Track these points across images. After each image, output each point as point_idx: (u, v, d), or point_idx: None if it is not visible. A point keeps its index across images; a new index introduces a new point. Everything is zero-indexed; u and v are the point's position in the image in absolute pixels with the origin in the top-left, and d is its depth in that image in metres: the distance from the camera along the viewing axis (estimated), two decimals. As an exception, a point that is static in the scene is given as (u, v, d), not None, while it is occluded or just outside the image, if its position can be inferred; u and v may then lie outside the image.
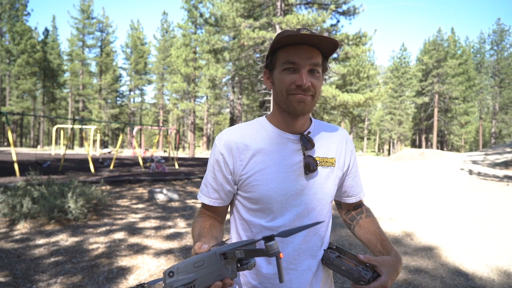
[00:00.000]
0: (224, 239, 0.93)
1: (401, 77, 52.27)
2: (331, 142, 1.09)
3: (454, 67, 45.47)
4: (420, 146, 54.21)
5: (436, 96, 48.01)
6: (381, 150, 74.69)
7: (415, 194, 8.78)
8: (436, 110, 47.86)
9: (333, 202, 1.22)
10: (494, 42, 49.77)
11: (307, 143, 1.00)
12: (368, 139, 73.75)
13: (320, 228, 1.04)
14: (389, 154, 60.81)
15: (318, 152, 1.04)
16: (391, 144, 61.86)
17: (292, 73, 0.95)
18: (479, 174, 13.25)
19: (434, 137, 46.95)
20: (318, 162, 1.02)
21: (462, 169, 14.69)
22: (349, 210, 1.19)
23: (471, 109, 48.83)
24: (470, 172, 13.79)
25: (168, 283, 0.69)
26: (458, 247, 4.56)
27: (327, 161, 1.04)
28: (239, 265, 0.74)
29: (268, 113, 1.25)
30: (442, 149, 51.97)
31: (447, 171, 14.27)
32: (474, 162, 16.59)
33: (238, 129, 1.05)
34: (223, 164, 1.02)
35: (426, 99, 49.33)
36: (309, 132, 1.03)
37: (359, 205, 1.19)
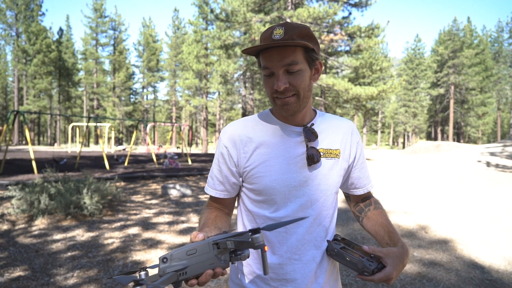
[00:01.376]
0: (227, 230, 0.94)
1: (415, 69, 51.28)
2: (335, 133, 1.08)
3: (470, 57, 44.35)
4: (435, 139, 53.25)
5: (452, 87, 46.97)
6: (395, 144, 73.68)
7: (430, 187, 8.64)
8: (452, 101, 46.85)
9: (343, 195, 1.23)
10: (513, 31, 48.30)
11: (311, 135, 1.01)
12: (382, 132, 72.80)
13: (324, 219, 1.04)
14: (403, 147, 59.96)
15: (322, 143, 1.04)
16: (406, 137, 60.94)
17: (270, 77, 0.95)
18: (497, 166, 12.94)
19: (450, 129, 46.03)
20: (321, 154, 1.02)
21: (479, 161, 14.38)
22: (358, 202, 1.19)
23: (488, 99, 47.60)
24: (488, 164, 13.48)
25: (161, 268, 0.72)
26: (474, 240, 4.48)
27: (331, 153, 1.04)
28: (233, 255, 0.76)
29: None
30: (458, 141, 50.91)
31: (463, 163, 13.98)
32: (492, 154, 16.21)
33: (242, 122, 1.07)
34: (227, 156, 1.04)
35: (442, 90, 48.31)
36: (312, 124, 1.04)
37: (367, 197, 1.18)
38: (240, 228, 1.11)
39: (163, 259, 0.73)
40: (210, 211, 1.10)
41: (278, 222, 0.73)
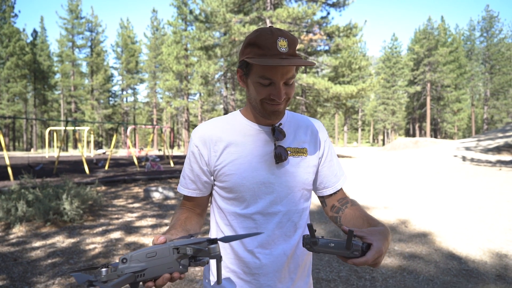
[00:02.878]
0: (194, 234, 0.95)
1: (393, 67, 52.42)
2: (303, 132, 1.13)
3: (445, 55, 45.68)
4: (414, 135, 54.56)
5: (428, 84, 48.25)
6: (375, 141, 75.06)
7: (410, 183, 8.87)
8: (428, 98, 48.12)
9: (318, 199, 1.24)
10: (484, 29, 50.01)
11: (279, 134, 1.05)
12: (362, 130, 74.10)
13: (294, 214, 1.07)
14: (383, 144, 61.15)
15: (290, 142, 1.08)
16: (385, 134, 62.19)
17: (267, 86, 0.97)
18: (472, 160, 13.39)
19: (428, 126, 47.27)
20: (289, 152, 1.06)
21: (455, 156, 14.84)
22: (334, 204, 1.17)
23: (463, 96, 49.18)
24: (464, 158, 13.94)
25: (119, 268, 0.73)
26: (451, 232, 4.63)
27: (298, 151, 1.09)
28: (193, 261, 0.77)
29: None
30: (435, 137, 52.34)
31: (440, 158, 14.40)
32: (467, 148, 16.75)
33: (213, 122, 1.11)
34: (198, 156, 1.08)
35: (419, 88, 49.56)
36: (280, 124, 1.08)
37: (343, 197, 1.18)
38: (213, 226, 1.14)
39: (122, 260, 0.74)
40: (182, 212, 1.12)
41: (234, 235, 0.79)
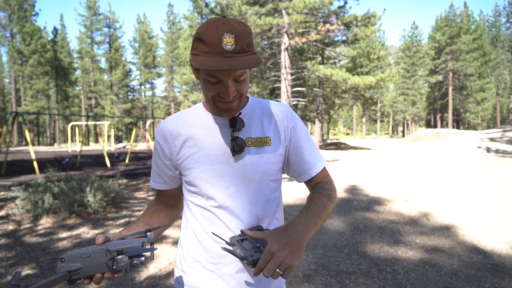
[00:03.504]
0: (159, 226, 1.06)
1: (413, 56, 51.10)
2: (267, 120, 1.08)
3: (468, 43, 44.15)
4: (435, 126, 53.26)
5: (450, 74, 46.85)
6: (395, 132, 73.71)
7: (431, 175, 8.68)
8: (450, 88, 46.77)
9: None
10: (510, 14, 47.99)
11: (238, 125, 1.02)
12: (381, 121, 72.78)
13: (255, 207, 1.04)
14: (403, 135, 59.98)
15: (251, 132, 1.05)
16: (405, 126, 60.96)
17: (215, 83, 0.93)
18: (497, 151, 12.98)
19: (450, 116, 46.03)
20: (250, 143, 1.03)
21: (479, 147, 14.41)
22: (311, 191, 1.15)
23: (487, 85, 47.51)
24: (488, 149, 13.52)
25: (58, 266, 0.81)
26: (476, 225, 4.52)
27: (260, 141, 1.05)
28: (129, 262, 0.83)
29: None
30: (458, 128, 50.94)
31: (463, 150, 14.02)
32: (492, 139, 16.24)
33: (175, 117, 1.11)
34: (160, 151, 1.10)
35: (440, 77, 48.19)
36: (240, 113, 1.05)
37: (318, 182, 1.14)
38: (183, 217, 1.15)
39: (61, 259, 0.81)
40: (152, 204, 1.17)
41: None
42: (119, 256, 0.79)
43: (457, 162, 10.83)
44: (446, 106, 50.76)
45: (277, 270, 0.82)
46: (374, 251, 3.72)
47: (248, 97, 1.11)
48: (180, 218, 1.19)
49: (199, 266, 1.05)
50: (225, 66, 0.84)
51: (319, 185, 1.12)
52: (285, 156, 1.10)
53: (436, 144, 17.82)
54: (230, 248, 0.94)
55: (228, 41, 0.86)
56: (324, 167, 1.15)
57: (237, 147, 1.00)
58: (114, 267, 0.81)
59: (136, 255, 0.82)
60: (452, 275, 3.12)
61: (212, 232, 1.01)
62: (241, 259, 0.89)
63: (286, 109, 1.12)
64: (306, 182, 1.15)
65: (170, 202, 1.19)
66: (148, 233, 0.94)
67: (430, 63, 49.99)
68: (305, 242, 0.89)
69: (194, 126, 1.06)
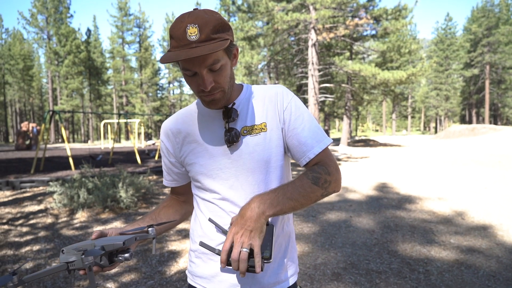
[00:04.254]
0: (167, 221, 1.13)
1: (446, 50, 49.07)
2: (259, 106, 1.05)
3: (507, 34, 41.84)
4: (470, 122, 50.99)
5: (487, 67, 44.62)
6: (427, 129, 71.23)
7: (466, 172, 8.33)
8: (487, 82, 44.56)
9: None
10: (554, 3, 45.02)
11: (232, 115, 1.00)
12: (412, 117, 70.56)
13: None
14: (436, 132, 57.86)
15: (246, 121, 1.04)
16: (438, 122, 58.78)
17: (193, 76, 0.94)
18: (538, 148, 12.25)
19: (486, 111, 43.89)
20: (245, 131, 1.02)
21: (518, 144, 13.66)
22: None
23: (528, 78, 44.88)
24: (528, 146, 12.79)
25: (60, 257, 0.88)
26: (515, 226, 4.29)
27: (256, 128, 1.03)
28: (115, 257, 0.90)
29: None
30: (495, 123, 48.49)
31: (502, 146, 13.33)
32: (533, 135, 15.34)
33: (176, 115, 1.14)
34: (165, 150, 1.14)
35: (476, 71, 46.02)
36: (233, 104, 1.03)
37: (314, 164, 1.05)
38: (193, 213, 1.16)
39: (62, 251, 0.88)
40: (165, 200, 1.23)
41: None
42: (83, 256, 0.84)
43: (495, 159, 10.32)
44: (482, 101, 48.45)
45: (244, 249, 0.81)
46: (405, 251, 3.61)
47: (242, 86, 1.10)
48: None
49: (206, 257, 1.06)
50: (183, 56, 0.84)
51: (312, 167, 1.02)
52: (283, 139, 1.05)
53: (472, 141, 17.07)
54: (207, 244, 0.99)
55: (192, 32, 0.86)
56: (326, 148, 1.04)
57: (232, 138, 0.99)
58: (101, 262, 0.87)
59: (122, 251, 0.90)
60: (490, 277, 2.98)
61: (209, 218, 1.03)
62: (212, 251, 0.95)
63: (279, 89, 1.07)
64: (306, 166, 1.05)
65: (182, 198, 1.23)
66: (149, 229, 0.98)
67: (465, 56, 47.82)
68: (261, 218, 0.86)
69: (192, 122, 1.09)
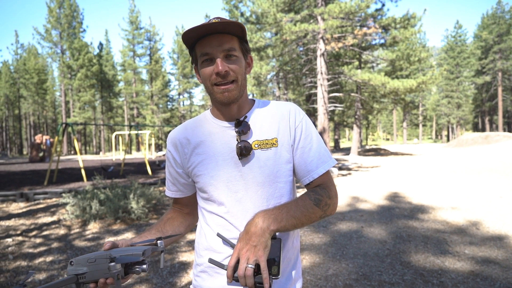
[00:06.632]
0: (172, 234, 1.10)
1: (457, 57, 48.64)
2: (271, 122, 1.07)
3: (518, 40, 41.33)
4: (483, 130, 50.16)
5: (500, 74, 44.04)
6: (438, 137, 70.29)
7: (480, 181, 8.17)
8: (500, 89, 43.93)
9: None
10: None
11: (243, 128, 1.02)
12: (423, 126, 69.75)
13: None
14: (448, 140, 57.06)
15: (257, 135, 1.04)
16: (450, 130, 57.97)
17: (209, 64, 0.98)
18: (555, 156, 11.97)
19: (500, 119, 43.16)
20: (257, 146, 1.02)
21: (534, 151, 13.37)
22: None
23: (541, 85, 44.12)
24: (544, 154, 12.51)
25: (68, 269, 0.86)
26: (532, 236, 4.19)
27: (267, 143, 1.04)
28: (130, 268, 0.87)
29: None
30: (510, 131, 47.59)
31: (516, 154, 13.06)
32: (548, 143, 15.01)
33: (183, 126, 1.14)
34: (172, 160, 1.12)
35: (488, 78, 45.44)
36: (245, 117, 1.05)
37: (315, 186, 1.07)
38: (198, 224, 1.16)
39: (70, 262, 0.87)
40: (168, 212, 1.21)
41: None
42: (111, 264, 0.82)
43: (510, 168, 10.11)
44: (495, 108, 47.70)
45: (249, 266, 0.82)
46: (418, 261, 3.55)
47: (254, 101, 1.12)
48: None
49: (212, 271, 1.06)
50: (205, 27, 0.93)
51: (314, 188, 1.05)
52: (292, 156, 1.07)
53: (485, 149, 16.78)
54: (216, 260, 0.98)
55: (215, 21, 0.94)
56: (327, 171, 1.08)
57: (244, 151, 1.00)
58: (116, 273, 0.84)
59: (137, 262, 0.86)
60: (507, 289, 2.90)
61: (218, 233, 1.03)
62: (221, 267, 0.93)
63: (292, 107, 1.10)
64: (307, 186, 1.08)
65: (186, 210, 1.21)
66: (158, 241, 0.97)
67: (476, 63, 47.32)
68: (266, 233, 0.87)
69: (202, 133, 1.08)
